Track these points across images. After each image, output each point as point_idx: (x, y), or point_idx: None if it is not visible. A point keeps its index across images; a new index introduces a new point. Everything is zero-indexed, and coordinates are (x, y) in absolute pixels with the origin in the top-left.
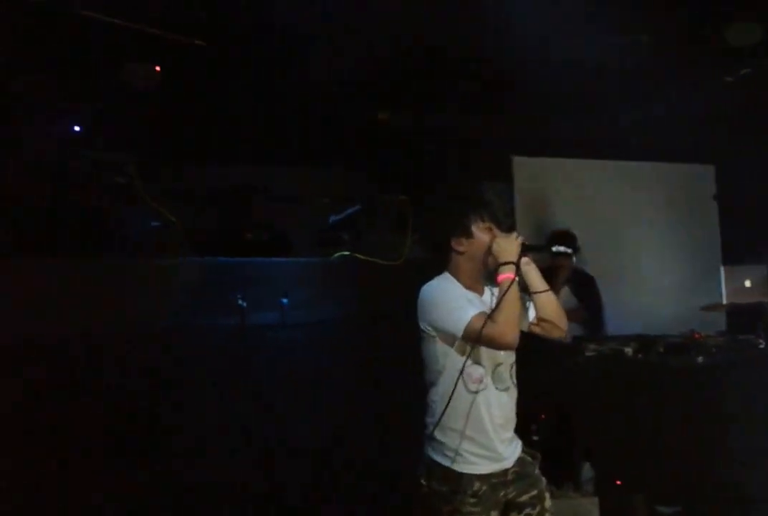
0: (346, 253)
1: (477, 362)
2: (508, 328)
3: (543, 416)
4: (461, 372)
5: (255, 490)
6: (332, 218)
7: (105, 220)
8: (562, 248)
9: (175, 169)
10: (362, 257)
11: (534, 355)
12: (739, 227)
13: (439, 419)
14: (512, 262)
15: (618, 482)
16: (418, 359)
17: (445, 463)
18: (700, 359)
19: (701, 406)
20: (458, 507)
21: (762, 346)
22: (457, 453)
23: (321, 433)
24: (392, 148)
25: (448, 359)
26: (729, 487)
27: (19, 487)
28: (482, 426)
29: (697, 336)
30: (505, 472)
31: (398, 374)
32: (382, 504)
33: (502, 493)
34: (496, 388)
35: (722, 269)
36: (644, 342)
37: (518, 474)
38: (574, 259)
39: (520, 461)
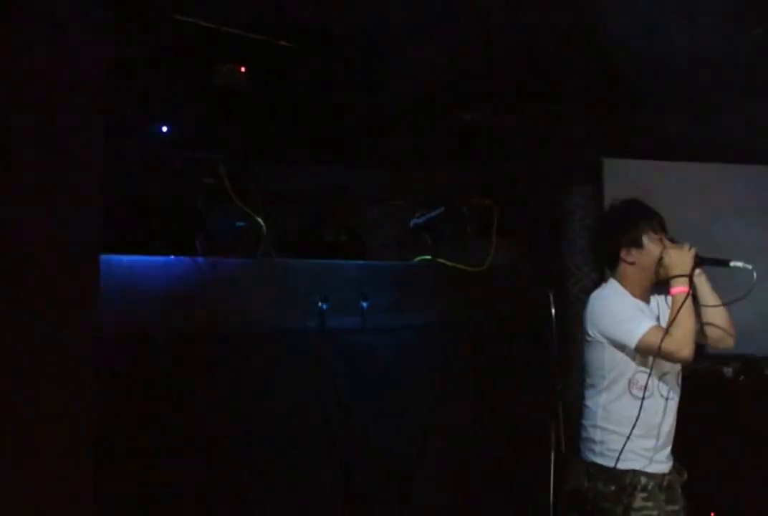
0: (428, 257)
1: (644, 370)
2: (685, 344)
3: None
4: (630, 379)
5: (335, 497)
6: (414, 221)
7: (193, 220)
8: (740, 263)
9: (261, 169)
10: (445, 262)
11: None
12: None
13: (602, 423)
14: (685, 275)
15: (712, 514)
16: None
17: (608, 463)
18: None
19: None
20: (630, 503)
21: None
22: (620, 451)
23: (403, 440)
24: (478, 149)
25: (615, 365)
26: None
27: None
28: (646, 432)
29: None
30: (663, 476)
31: (479, 381)
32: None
33: (663, 496)
34: (662, 396)
35: None
36: (748, 362)
37: (670, 482)
38: None
39: (673, 471)
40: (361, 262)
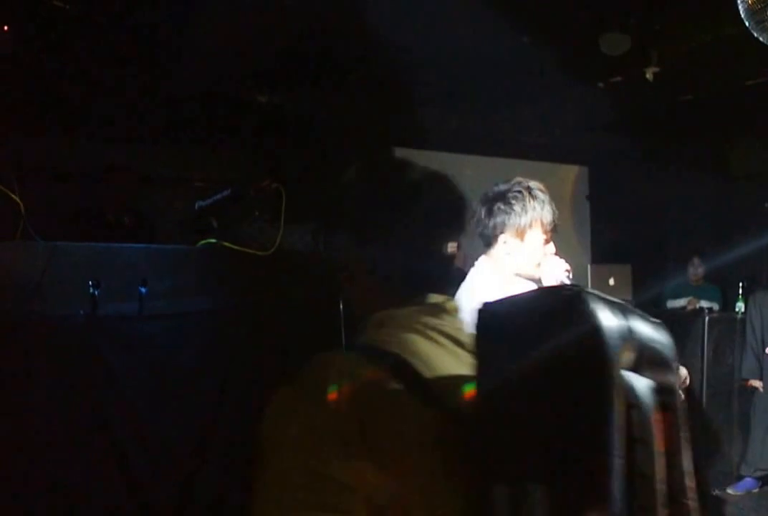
0: (213, 241)
1: None
2: None
3: None
4: None
5: (112, 495)
6: (199, 203)
7: None
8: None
9: (30, 142)
10: (230, 246)
11: None
12: (606, 227)
13: None
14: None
15: None
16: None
17: None
18: None
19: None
20: None
21: None
22: None
23: (185, 430)
24: (273, 133)
25: None
26: None
27: None
28: None
29: None
30: None
31: (265, 368)
32: None
33: None
34: None
35: (589, 267)
36: None
37: None
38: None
39: None
40: (140, 245)
